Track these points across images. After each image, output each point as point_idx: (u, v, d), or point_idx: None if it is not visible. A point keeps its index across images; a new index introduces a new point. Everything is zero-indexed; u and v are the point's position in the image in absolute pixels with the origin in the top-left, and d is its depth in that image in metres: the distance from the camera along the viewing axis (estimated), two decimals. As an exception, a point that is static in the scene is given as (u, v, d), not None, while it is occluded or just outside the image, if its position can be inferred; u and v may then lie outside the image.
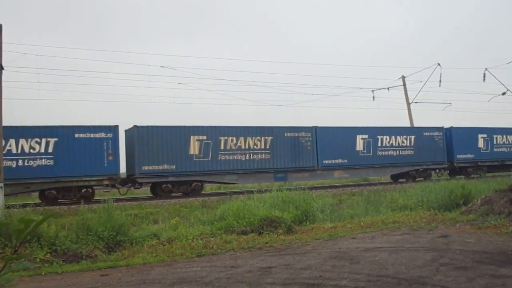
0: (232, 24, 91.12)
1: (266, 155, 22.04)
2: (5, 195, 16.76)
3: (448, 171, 27.93)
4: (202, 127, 21.11)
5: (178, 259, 7.54)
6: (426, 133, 26.47)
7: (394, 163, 25.40)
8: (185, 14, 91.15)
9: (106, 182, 19.15)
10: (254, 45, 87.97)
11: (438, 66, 30.81)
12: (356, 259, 6.51)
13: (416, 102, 33.06)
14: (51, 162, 17.94)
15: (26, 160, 17.62)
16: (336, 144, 23.71)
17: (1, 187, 14.65)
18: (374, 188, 21.18)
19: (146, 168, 19.56)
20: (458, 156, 27.09)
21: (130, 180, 20.24)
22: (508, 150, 28.92)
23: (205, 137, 20.79)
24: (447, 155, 26.82)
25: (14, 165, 17.37)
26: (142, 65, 74.36)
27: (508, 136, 29.00)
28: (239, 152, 21.44)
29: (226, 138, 21.20)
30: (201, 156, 20.61)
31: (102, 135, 18.86)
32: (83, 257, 8.02)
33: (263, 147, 21.99)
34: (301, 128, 23.15)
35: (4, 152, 16.57)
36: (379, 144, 24.96)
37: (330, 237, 8.77)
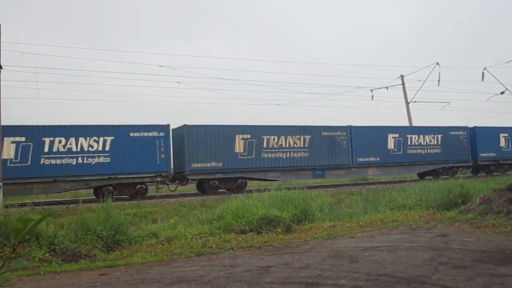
0: (232, 24, 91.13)
1: (305, 153, 22.95)
2: (64, 191, 18.85)
3: (470, 169, 28.47)
4: (247, 126, 21.95)
5: (177, 258, 7.54)
6: (452, 133, 27.35)
7: (422, 161, 26.29)
8: (185, 14, 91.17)
9: (159, 179, 20.05)
10: (254, 45, 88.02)
11: (437, 66, 30.85)
12: (355, 258, 6.51)
13: (415, 101, 33.13)
14: (108, 160, 18.79)
15: (85, 158, 18.51)
16: (369, 143, 24.62)
17: (0, 186, 14.62)
18: (373, 187, 21.21)
19: (195, 165, 20.39)
20: (482, 155, 27.94)
21: (180, 177, 20.94)
22: None
23: (249, 136, 21.66)
24: (471, 153, 27.68)
25: (74, 163, 18.29)
26: (141, 64, 74.37)
27: None
28: (280, 150, 22.35)
29: (268, 136, 22.09)
30: (246, 154, 21.50)
31: (155, 134, 19.70)
32: (82, 256, 8.02)
33: (302, 145, 22.91)
34: (336, 128, 24.11)
35: (65, 150, 18.02)
36: (409, 143, 25.89)
37: (329, 236, 8.78)
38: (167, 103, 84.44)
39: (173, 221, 11.12)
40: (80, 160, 18.36)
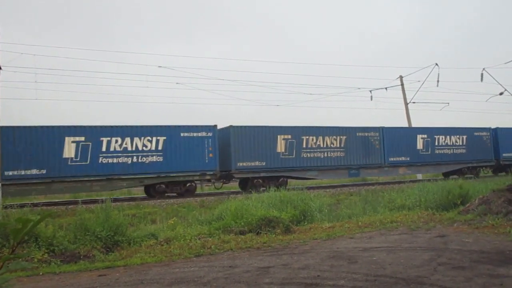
0: (232, 24, 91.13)
1: (341, 153, 23.95)
2: (120, 188, 19.96)
3: (491, 169, 29.09)
4: (288, 127, 22.97)
5: (176, 259, 7.53)
6: (476, 133, 28.42)
7: (448, 161, 27.41)
8: (185, 14, 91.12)
9: (207, 177, 20.91)
10: (254, 45, 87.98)
11: (436, 66, 30.87)
12: (354, 259, 6.51)
13: (414, 102, 33.13)
14: (161, 159, 19.59)
15: (139, 157, 19.30)
16: (400, 143, 25.78)
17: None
18: (372, 188, 21.24)
19: (241, 164, 21.28)
20: (504, 155, 28.92)
21: (226, 175, 21.71)
22: None
23: (290, 136, 22.63)
24: (493, 153, 28.69)
25: (130, 162, 19.11)
26: (140, 65, 74.28)
27: None
28: (318, 150, 23.37)
29: (307, 137, 23.09)
30: (287, 153, 22.46)
31: (203, 134, 20.58)
32: (81, 257, 8.01)
33: (338, 145, 23.93)
34: (370, 128, 25.19)
35: (121, 149, 18.88)
36: (436, 143, 27.00)
37: (328, 237, 8.78)
38: (166, 104, 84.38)
39: (172, 222, 11.11)
40: (135, 159, 19.18)
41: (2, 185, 15.94)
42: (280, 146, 22.27)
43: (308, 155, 22.99)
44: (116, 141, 18.88)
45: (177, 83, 44.23)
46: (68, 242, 8.58)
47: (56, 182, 17.97)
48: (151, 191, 20.11)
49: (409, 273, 5.49)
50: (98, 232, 8.87)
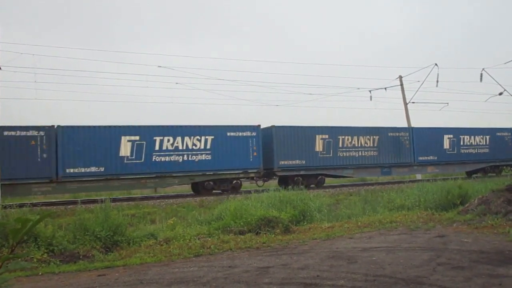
0: (232, 24, 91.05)
1: (374, 152, 24.95)
2: (172, 185, 20.95)
3: None
4: (325, 127, 23.91)
5: (175, 259, 7.53)
6: (498, 134, 29.53)
7: (473, 160, 28.45)
8: (185, 14, 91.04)
9: (252, 175, 21.84)
10: (253, 45, 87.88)
11: (435, 66, 30.87)
12: (353, 259, 6.51)
13: (413, 102, 33.06)
14: (209, 157, 20.53)
15: (190, 155, 20.19)
16: (428, 143, 26.78)
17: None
18: (371, 188, 21.28)
19: (282, 162, 22.23)
20: None
21: (268, 173, 22.57)
22: None
23: (327, 136, 23.61)
24: None
25: (181, 160, 19.97)
26: (140, 65, 74.21)
27: None
28: (353, 149, 24.35)
29: (343, 137, 24.07)
30: (325, 152, 23.44)
31: (248, 133, 21.53)
32: (80, 257, 8.00)
33: (371, 145, 24.94)
34: (400, 129, 26.53)
35: (173, 148, 19.76)
36: (462, 143, 28.16)
37: (328, 237, 8.78)
38: (165, 103, 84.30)
39: (172, 222, 11.10)
40: (185, 157, 20.05)
41: (62, 181, 17.71)
42: (318, 145, 23.22)
43: (344, 154, 23.99)
44: (168, 140, 19.76)
45: (176, 83, 44.11)
46: (67, 242, 8.57)
47: (113, 180, 18.96)
48: (200, 188, 20.86)
49: (408, 273, 5.49)
50: (98, 232, 8.87)
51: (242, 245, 8.29)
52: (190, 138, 20.19)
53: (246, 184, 23.69)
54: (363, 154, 24.57)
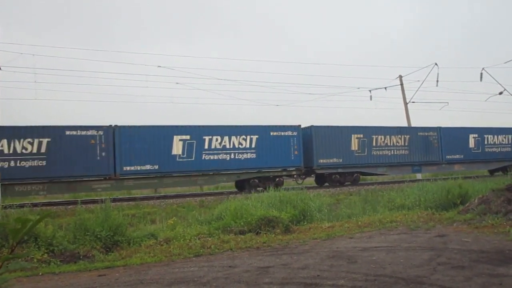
0: (232, 24, 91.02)
1: (405, 151, 25.92)
2: (220, 183, 21.86)
3: None
4: (360, 127, 24.84)
5: (175, 259, 7.53)
6: None
7: (496, 159, 29.32)
8: (185, 14, 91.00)
9: (293, 173, 22.66)
10: (253, 45, 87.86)
11: (435, 66, 30.87)
12: (353, 258, 6.51)
13: (413, 102, 33.11)
14: (254, 156, 21.43)
15: (236, 154, 21.10)
16: (455, 142, 27.80)
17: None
18: (372, 187, 21.26)
19: (321, 161, 23.15)
20: None
21: (308, 171, 23.32)
22: None
23: (361, 135, 24.50)
24: None
25: (228, 158, 20.89)
26: (140, 65, 74.17)
27: None
28: (386, 148, 25.34)
29: (377, 136, 24.99)
30: (360, 151, 24.34)
31: (289, 133, 22.38)
32: (81, 257, 8.00)
33: (403, 144, 25.92)
34: (429, 128, 27.22)
35: (220, 147, 20.68)
36: (486, 142, 29.05)
37: (328, 237, 8.78)
38: (165, 103, 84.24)
39: (172, 222, 11.10)
40: (232, 156, 20.97)
41: (120, 178, 18.63)
42: (354, 144, 24.12)
43: (378, 153, 24.92)
44: (217, 140, 20.67)
45: (177, 83, 44.20)
46: (67, 242, 8.57)
47: (166, 177, 19.85)
48: (245, 185, 21.53)
49: (408, 272, 5.49)
50: (98, 232, 8.86)
51: (242, 245, 8.28)
52: (236, 138, 21.06)
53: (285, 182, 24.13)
54: (395, 152, 25.53)
